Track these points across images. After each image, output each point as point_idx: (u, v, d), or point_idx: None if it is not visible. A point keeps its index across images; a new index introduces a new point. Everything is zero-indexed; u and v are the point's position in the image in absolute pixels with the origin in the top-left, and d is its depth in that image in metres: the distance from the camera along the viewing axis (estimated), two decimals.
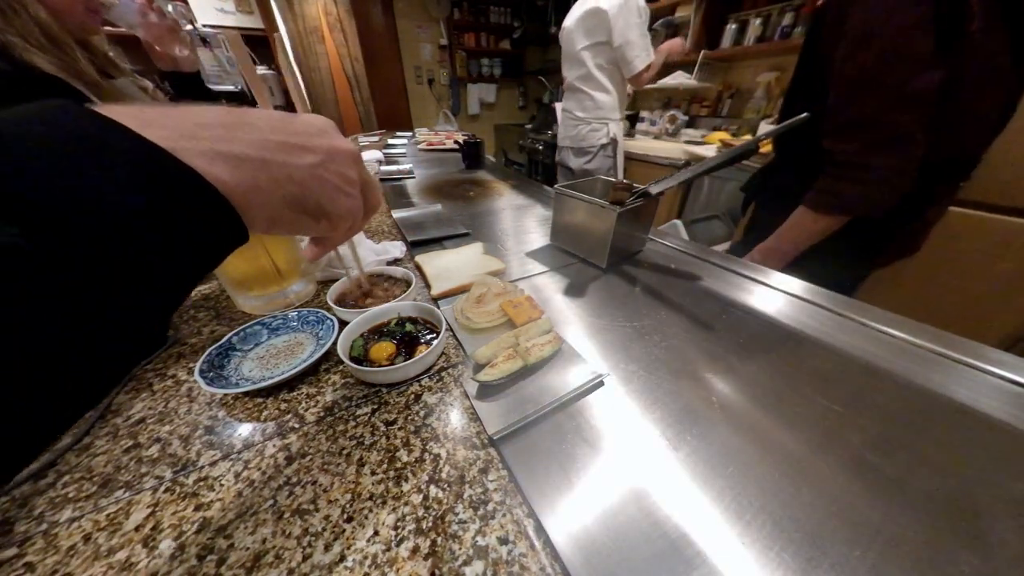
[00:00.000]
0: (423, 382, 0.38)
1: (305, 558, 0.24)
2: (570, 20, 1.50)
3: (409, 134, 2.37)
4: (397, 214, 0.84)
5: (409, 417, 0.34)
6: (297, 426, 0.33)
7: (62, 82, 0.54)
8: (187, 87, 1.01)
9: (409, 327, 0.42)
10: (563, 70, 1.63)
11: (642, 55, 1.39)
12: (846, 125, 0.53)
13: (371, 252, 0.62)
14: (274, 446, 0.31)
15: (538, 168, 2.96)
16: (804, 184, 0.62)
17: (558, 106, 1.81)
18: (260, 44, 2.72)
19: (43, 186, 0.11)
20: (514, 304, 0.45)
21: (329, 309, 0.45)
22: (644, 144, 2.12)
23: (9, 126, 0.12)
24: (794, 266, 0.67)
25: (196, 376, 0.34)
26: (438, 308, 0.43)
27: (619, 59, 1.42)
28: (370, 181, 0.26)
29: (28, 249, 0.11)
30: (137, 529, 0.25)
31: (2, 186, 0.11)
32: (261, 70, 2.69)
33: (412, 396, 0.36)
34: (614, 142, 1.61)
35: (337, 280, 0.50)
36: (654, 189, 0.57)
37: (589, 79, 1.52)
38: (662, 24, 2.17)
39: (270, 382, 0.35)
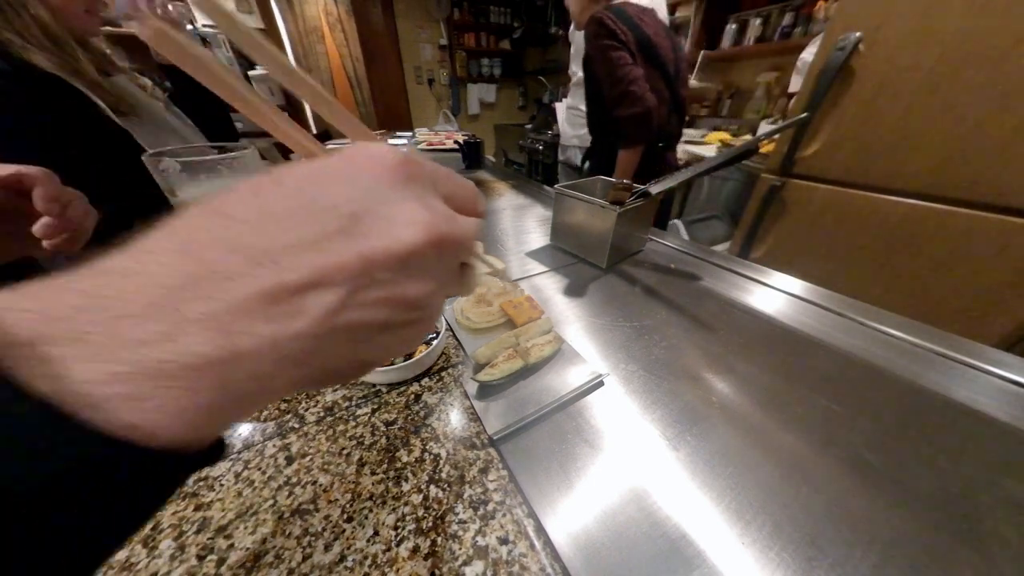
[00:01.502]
0: (423, 382, 0.38)
1: (305, 558, 0.24)
2: None
3: (409, 134, 2.37)
4: None
5: (409, 417, 0.34)
6: (297, 426, 0.33)
7: (61, 80, 0.54)
8: (187, 82, 1.01)
9: None
10: (573, 66, 1.49)
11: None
12: (619, 100, 0.98)
13: None
14: (274, 446, 0.31)
15: (538, 168, 2.96)
16: (611, 146, 1.08)
17: (559, 105, 1.78)
18: None
19: None
20: (514, 304, 0.45)
21: None
22: None
23: None
24: None
25: None
26: None
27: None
28: (454, 273, 0.15)
29: None
30: None
31: None
32: (261, 70, 2.69)
33: (412, 396, 0.36)
34: None
35: None
36: (654, 189, 0.57)
37: None
38: None
39: None
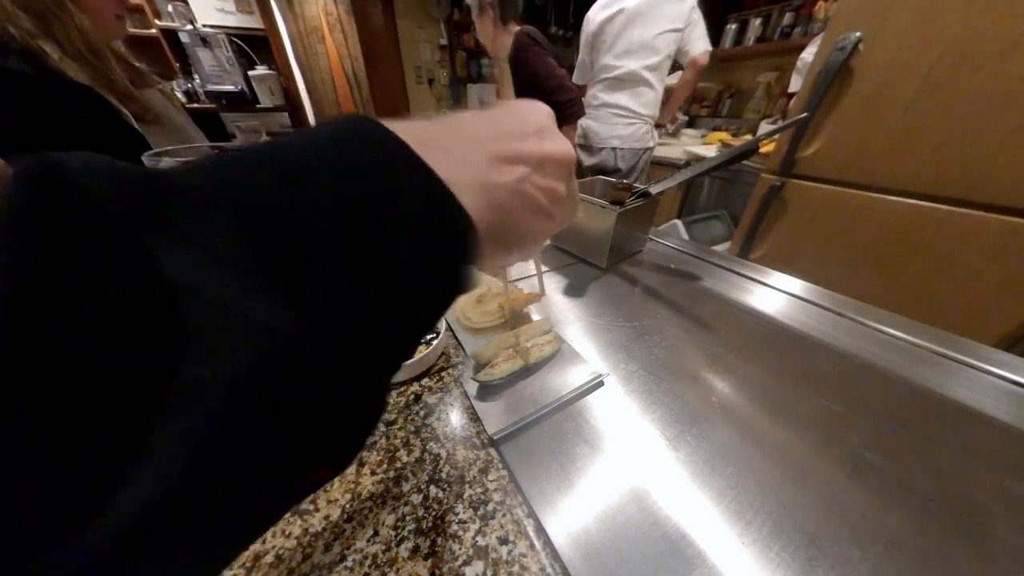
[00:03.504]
0: (423, 382, 0.38)
1: (305, 558, 0.24)
2: (629, 2, 1.32)
3: None
4: None
5: (409, 417, 0.34)
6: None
7: (90, 90, 0.53)
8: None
9: None
10: (609, 59, 1.40)
11: (705, 34, 1.35)
12: (558, 89, 1.31)
13: None
14: None
15: None
16: None
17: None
18: (260, 44, 2.72)
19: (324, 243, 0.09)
20: (512, 298, 0.45)
21: None
22: None
23: (313, 159, 0.10)
24: None
25: None
26: None
27: (684, 40, 1.34)
28: (574, 193, 0.21)
29: (305, 344, 0.09)
30: None
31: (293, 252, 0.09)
32: (261, 70, 2.69)
33: (412, 396, 0.36)
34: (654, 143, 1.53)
35: None
36: (654, 189, 0.57)
37: (659, 69, 1.38)
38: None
39: None
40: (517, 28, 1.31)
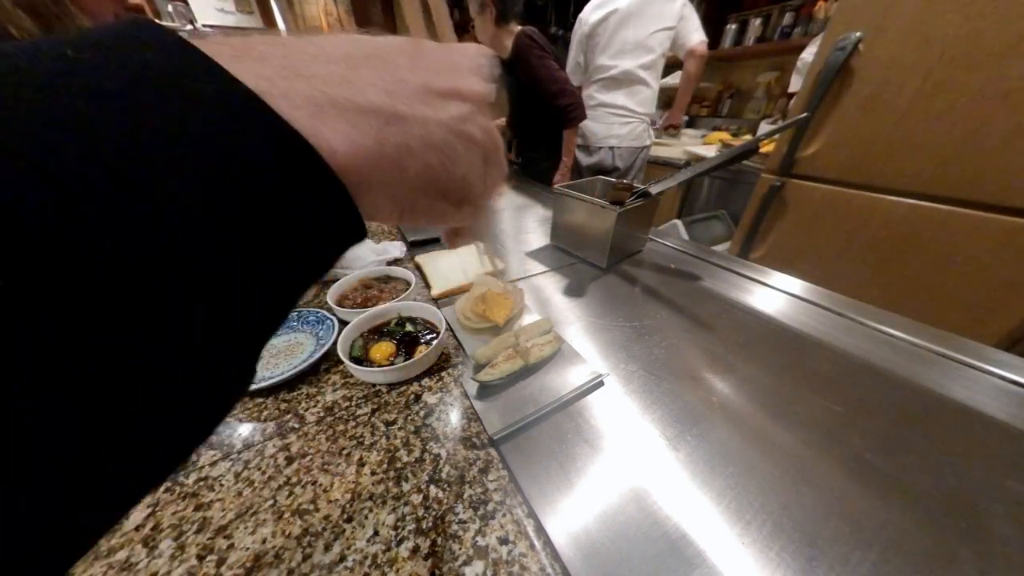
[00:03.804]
0: (423, 382, 0.38)
1: (305, 558, 0.24)
2: (622, 3, 1.34)
3: None
4: None
5: (409, 417, 0.34)
6: (297, 426, 0.33)
7: None
8: None
9: (409, 327, 0.42)
10: (604, 59, 1.42)
11: (700, 26, 1.38)
12: (559, 94, 1.25)
13: (371, 252, 0.62)
14: (274, 446, 0.31)
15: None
16: (546, 136, 1.40)
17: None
18: None
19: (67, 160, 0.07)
20: (486, 301, 0.45)
21: (329, 309, 0.45)
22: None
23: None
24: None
25: None
26: (438, 308, 0.43)
27: (679, 35, 1.37)
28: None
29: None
30: (137, 529, 0.25)
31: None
32: None
33: (412, 396, 0.36)
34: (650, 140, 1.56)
35: (337, 280, 0.50)
36: (654, 189, 0.57)
37: (653, 68, 1.41)
38: None
39: (270, 382, 0.35)
40: (518, 28, 1.28)
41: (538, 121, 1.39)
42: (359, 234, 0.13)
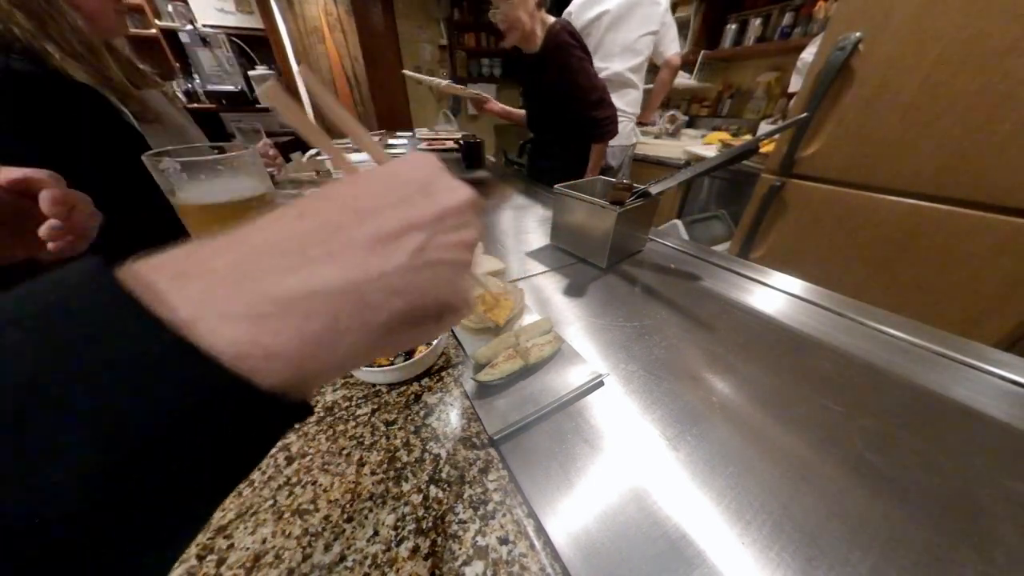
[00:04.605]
0: (423, 382, 0.38)
1: (305, 558, 0.24)
2: (612, 4, 1.35)
3: (409, 134, 2.37)
4: None
5: (409, 417, 0.34)
6: (297, 426, 0.33)
7: (91, 89, 0.54)
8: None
9: None
10: (597, 60, 1.39)
11: (677, 37, 1.44)
12: (599, 104, 1.12)
13: None
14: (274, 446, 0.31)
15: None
16: (562, 144, 1.29)
17: None
18: (260, 44, 2.72)
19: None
20: (485, 303, 0.45)
21: None
22: (644, 144, 2.12)
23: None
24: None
25: None
26: None
27: (659, 42, 1.42)
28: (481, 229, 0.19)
29: None
30: None
31: None
32: (261, 69, 2.69)
33: (412, 396, 0.36)
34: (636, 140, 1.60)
35: None
36: (654, 189, 0.57)
37: (639, 71, 1.44)
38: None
39: None
40: (550, 19, 1.10)
41: (558, 126, 1.26)
42: (304, 413, 0.13)
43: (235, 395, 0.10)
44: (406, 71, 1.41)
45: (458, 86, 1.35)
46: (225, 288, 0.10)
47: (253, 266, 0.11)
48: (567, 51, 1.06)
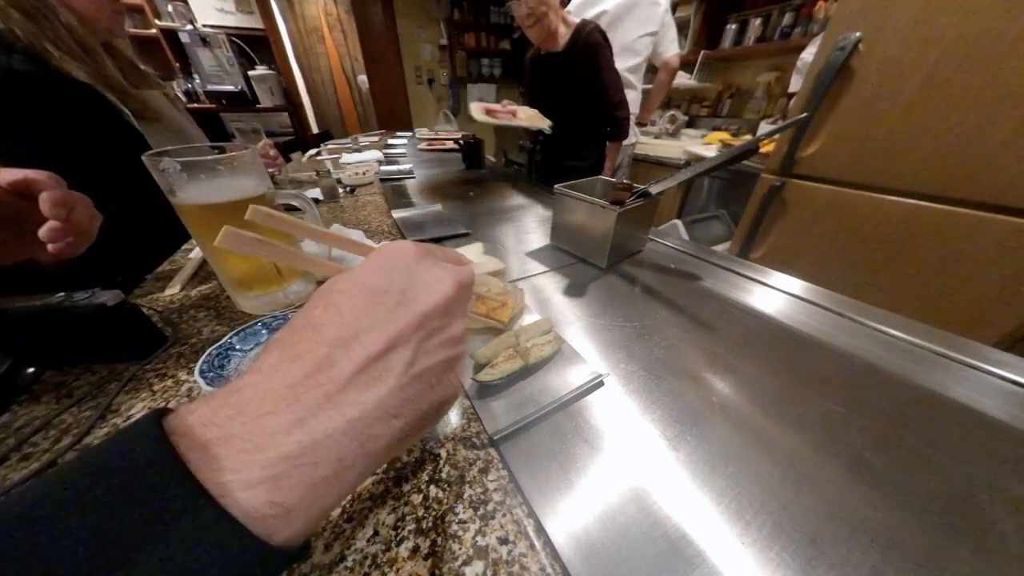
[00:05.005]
0: None
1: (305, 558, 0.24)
2: (610, 4, 1.38)
3: (409, 134, 2.37)
4: (397, 214, 0.84)
5: None
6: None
7: (91, 89, 0.54)
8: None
9: None
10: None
11: (676, 38, 1.44)
12: (620, 105, 1.16)
13: None
14: None
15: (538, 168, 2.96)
16: (571, 144, 1.34)
17: None
18: (260, 44, 2.72)
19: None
20: (487, 305, 0.45)
21: None
22: (644, 144, 2.12)
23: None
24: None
25: (196, 376, 0.34)
26: None
27: (658, 43, 1.42)
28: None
29: None
30: None
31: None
32: (261, 70, 2.69)
33: None
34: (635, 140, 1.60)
35: None
36: (654, 189, 0.57)
37: (638, 71, 1.46)
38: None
39: None
40: (576, 20, 1.12)
41: (576, 126, 1.27)
42: (304, 558, 0.14)
43: (253, 554, 0.11)
44: (475, 114, 1.05)
45: (535, 112, 1.15)
46: (244, 455, 0.11)
47: (262, 426, 0.12)
48: (599, 52, 1.09)
